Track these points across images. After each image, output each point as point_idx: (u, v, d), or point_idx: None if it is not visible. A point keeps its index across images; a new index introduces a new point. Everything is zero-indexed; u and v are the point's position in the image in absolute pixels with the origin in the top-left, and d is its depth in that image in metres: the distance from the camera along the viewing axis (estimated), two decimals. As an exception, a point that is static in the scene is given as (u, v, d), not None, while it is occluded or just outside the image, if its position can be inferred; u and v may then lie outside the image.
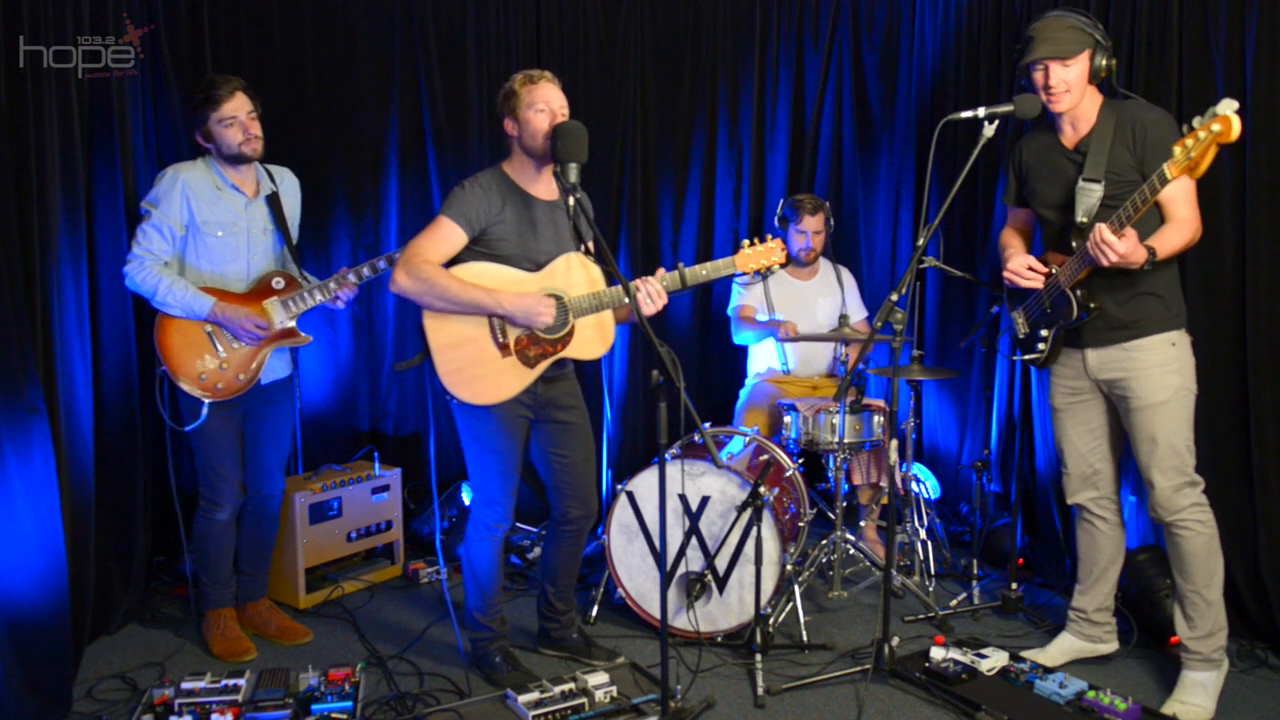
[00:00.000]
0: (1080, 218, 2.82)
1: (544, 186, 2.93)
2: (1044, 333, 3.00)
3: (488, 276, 2.82)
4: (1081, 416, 3.04)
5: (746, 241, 2.94)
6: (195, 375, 3.07)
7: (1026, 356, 3.08)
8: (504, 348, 2.84)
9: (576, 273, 2.89)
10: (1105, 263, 2.64)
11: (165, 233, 3.04)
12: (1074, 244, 2.82)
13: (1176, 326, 2.88)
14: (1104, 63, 2.81)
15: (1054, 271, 2.90)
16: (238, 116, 3.05)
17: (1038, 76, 2.82)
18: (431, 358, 2.82)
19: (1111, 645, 3.16)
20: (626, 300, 2.81)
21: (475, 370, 2.82)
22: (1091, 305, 2.84)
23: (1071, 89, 2.81)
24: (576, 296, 2.87)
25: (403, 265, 2.74)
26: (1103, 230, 2.62)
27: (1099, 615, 3.14)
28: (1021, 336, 3.11)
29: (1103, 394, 2.99)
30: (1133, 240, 2.64)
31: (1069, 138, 2.91)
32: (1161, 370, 2.83)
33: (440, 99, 4.27)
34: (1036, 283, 2.93)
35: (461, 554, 3.10)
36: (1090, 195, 2.81)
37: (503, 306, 2.77)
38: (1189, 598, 2.88)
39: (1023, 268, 2.93)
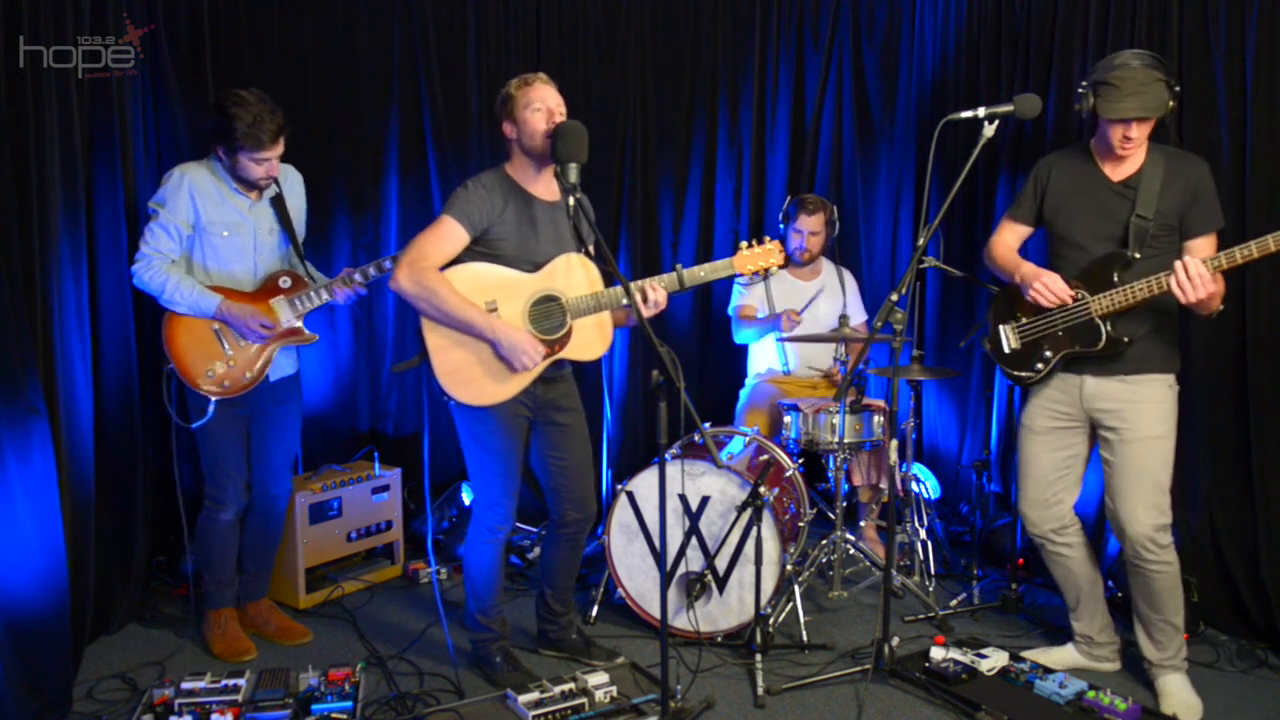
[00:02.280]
0: (1133, 252, 2.81)
1: (544, 187, 2.92)
2: (1048, 354, 2.96)
3: (486, 278, 2.82)
4: (1062, 442, 3.01)
5: (745, 243, 2.93)
6: (203, 373, 3.08)
7: (1021, 373, 3.04)
8: None
9: (576, 273, 2.89)
10: (1191, 298, 2.62)
11: (172, 232, 3.05)
12: (1116, 277, 2.81)
13: (1174, 369, 2.90)
14: (1170, 104, 2.76)
15: (1083, 297, 2.86)
16: (271, 159, 3.05)
17: (1117, 128, 2.78)
18: (429, 358, 2.82)
19: (1115, 665, 3.15)
20: (626, 302, 2.82)
21: (472, 371, 2.82)
22: (1125, 339, 2.82)
23: (1144, 137, 2.80)
24: (575, 297, 2.87)
25: (405, 265, 2.74)
26: (1199, 264, 2.60)
27: (1103, 635, 3.14)
28: (1007, 352, 3.07)
29: (1089, 425, 2.98)
30: (1221, 284, 2.66)
31: (1115, 171, 2.87)
32: (1158, 407, 2.85)
33: (440, 99, 4.27)
34: (1065, 301, 2.89)
35: (462, 555, 3.10)
36: (1141, 232, 2.80)
37: (494, 333, 2.77)
38: (1158, 625, 2.92)
39: (1054, 286, 2.88)
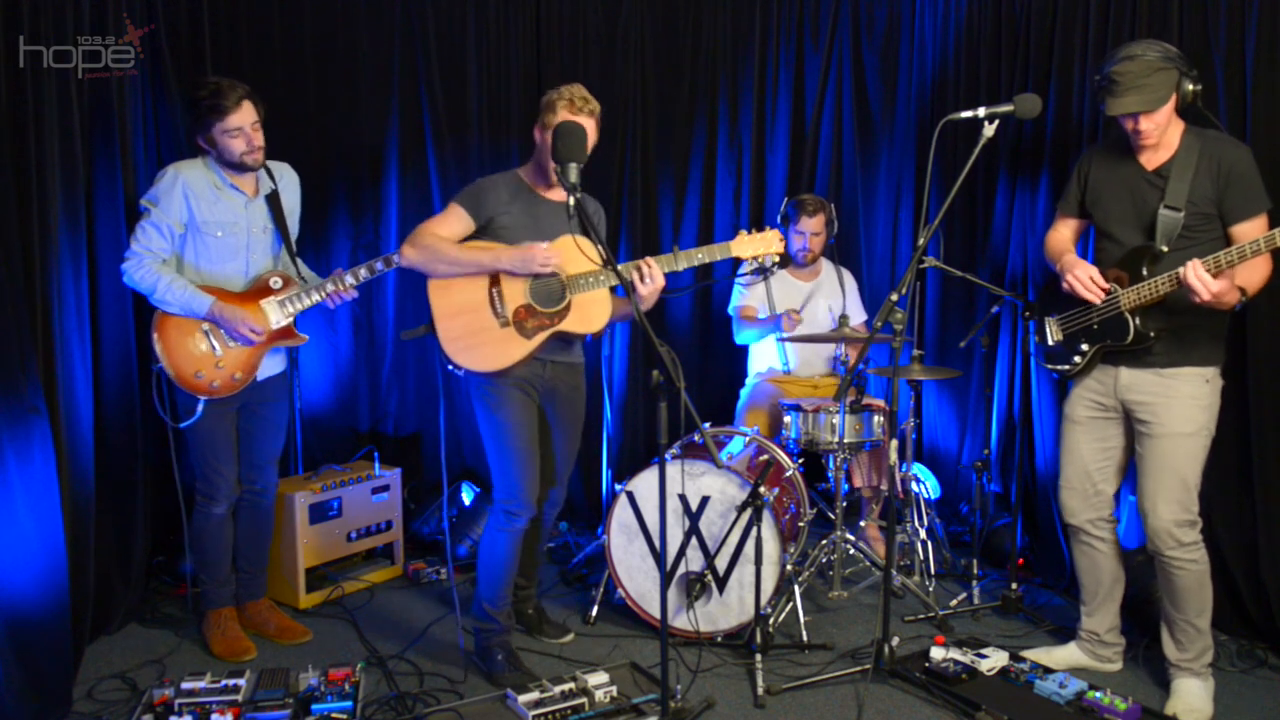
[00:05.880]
0: (1161, 245, 2.77)
1: (555, 192, 3.01)
2: (1084, 347, 2.95)
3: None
4: (1100, 433, 3.00)
5: (744, 231, 2.99)
6: (192, 373, 3.08)
7: (1059, 367, 3.03)
8: (502, 319, 2.92)
9: (576, 252, 2.92)
10: (1198, 300, 2.60)
11: (164, 231, 3.04)
12: (1144, 270, 2.78)
13: (1214, 364, 2.85)
14: (1190, 88, 2.72)
15: (1115, 291, 2.84)
16: (243, 127, 3.03)
17: (1126, 123, 2.77)
18: (435, 326, 2.92)
19: (1117, 665, 3.15)
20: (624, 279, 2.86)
21: (476, 338, 2.92)
22: (1151, 334, 2.80)
23: (1160, 127, 2.76)
24: (575, 273, 2.92)
25: (410, 241, 2.90)
26: (1197, 268, 2.58)
27: (1110, 635, 3.13)
28: (1051, 344, 3.06)
29: (1125, 415, 2.95)
30: (1228, 282, 2.61)
31: (1148, 160, 2.84)
32: (1192, 403, 2.81)
33: (440, 99, 4.27)
34: (1096, 297, 2.86)
35: (480, 541, 3.12)
36: (1171, 223, 2.76)
37: (500, 261, 2.89)
38: (1179, 624, 2.89)
39: (1088, 279, 2.86)
